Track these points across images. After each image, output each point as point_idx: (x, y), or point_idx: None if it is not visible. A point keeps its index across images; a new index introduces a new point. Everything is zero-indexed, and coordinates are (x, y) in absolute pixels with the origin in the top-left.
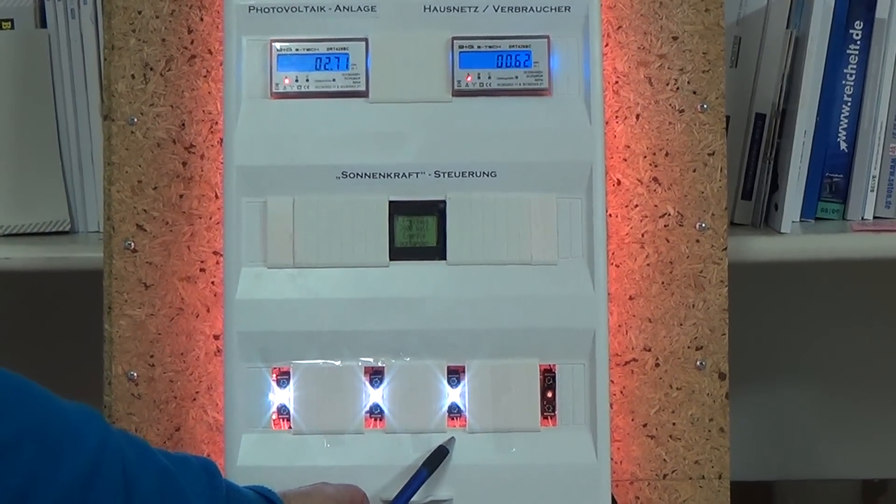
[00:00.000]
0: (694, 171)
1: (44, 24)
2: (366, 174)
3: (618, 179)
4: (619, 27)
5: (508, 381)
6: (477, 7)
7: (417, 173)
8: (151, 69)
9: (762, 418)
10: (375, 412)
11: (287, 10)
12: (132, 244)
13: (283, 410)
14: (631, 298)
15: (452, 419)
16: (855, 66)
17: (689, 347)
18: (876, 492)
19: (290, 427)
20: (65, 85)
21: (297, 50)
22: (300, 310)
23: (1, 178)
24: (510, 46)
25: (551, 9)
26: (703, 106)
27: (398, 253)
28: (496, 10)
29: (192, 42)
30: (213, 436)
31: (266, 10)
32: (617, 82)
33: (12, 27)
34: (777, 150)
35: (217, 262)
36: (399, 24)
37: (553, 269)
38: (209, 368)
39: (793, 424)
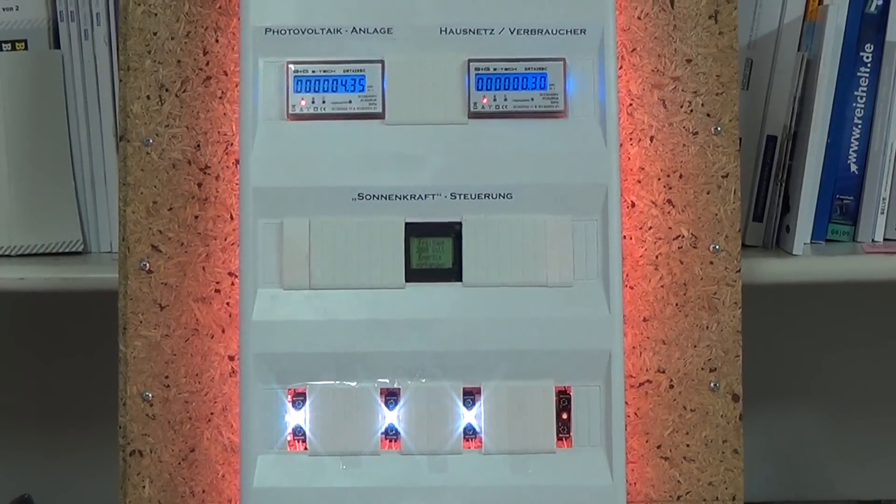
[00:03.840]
0: (708, 193)
1: (57, 45)
2: (382, 196)
3: (632, 201)
4: (634, 50)
5: (524, 402)
6: (493, 29)
7: (433, 195)
8: (167, 90)
9: (773, 439)
10: (391, 433)
11: (303, 32)
12: (147, 265)
13: (298, 432)
14: (645, 320)
15: (468, 441)
16: (865, 89)
17: (702, 369)
18: None
19: (305, 448)
20: (78, 105)
21: (313, 71)
22: (316, 331)
23: (14, 198)
24: (526, 69)
25: (567, 31)
26: (716, 128)
27: (414, 274)
28: (512, 33)
29: (207, 63)
30: (228, 457)
31: (282, 31)
32: (631, 104)
33: (26, 48)
34: (788, 172)
35: (232, 283)
36: (415, 46)
37: (568, 290)
38: (224, 389)
39: (803, 445)
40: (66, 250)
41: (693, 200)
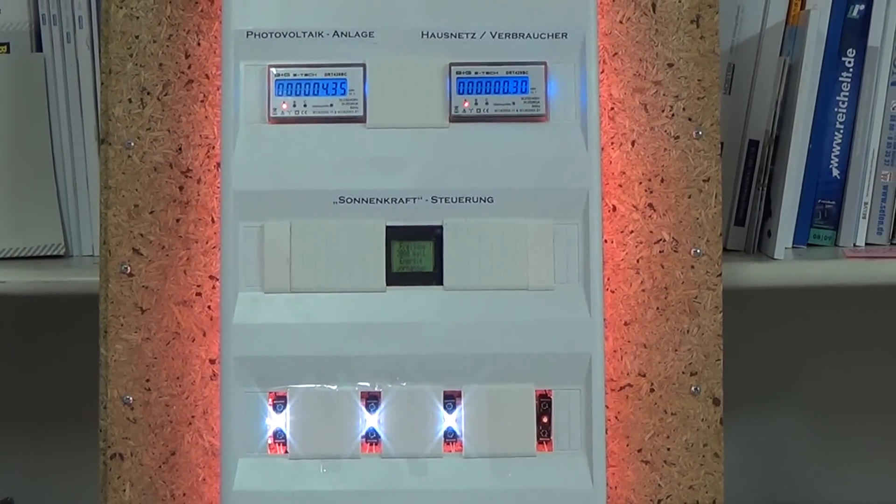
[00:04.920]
0: (689, 197)
1: (39, 48)
2: (363, 199)
3: (613, 205)
4: (615, 54)
5: (504, 406)
6: (474, 33)
7: (414, 198)
8: (148, 93)
9: (754, 443)
10: (372, 437)
11: (285, 36)
12: (128, 268)
13: (279, 435)
14: (626, 324)
15: (448, 444)
16: (847, 94)
17: (683, 373)
18: None
19: (286, 452)
20: (60, 108)
21: (294, 75)
22: (297, 334)
23: None
24: (507, 73)
25: (548, 35)
26: (698, 132)
27: (395, 278)
28: (493, 37)
29: (189, 67)
30: (208, 460)
31: (264, 35)
32: (613, 108)
33: (8, 51)
34: (770, 177)
35: (213, 287)
36: (397, 49)
37: (549, 294)
38: (205, 392)
39: (785, 449)
40: (48, 254)
41: (674, 204)
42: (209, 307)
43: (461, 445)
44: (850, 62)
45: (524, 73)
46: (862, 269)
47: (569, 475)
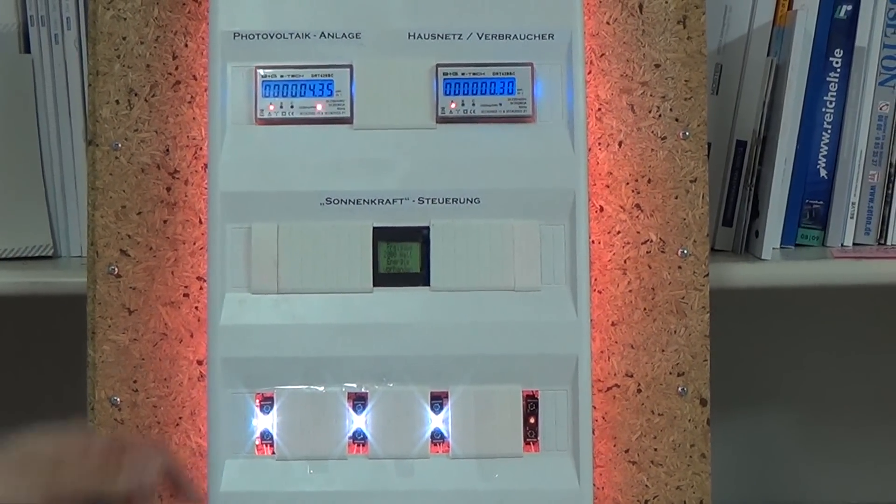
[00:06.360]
0: (676, 197)
1: (27, 49)
2: (350, 200)
3: (600, 206)
4: (602, 55)
5: (491, 406)
6: (461, 35)
7: (401, 200)
8: (136, 95)
9: (742, 444)
10: (359, 438)
11: (272, 37)
12: (116, 269)
13: (266, 436)
14: (613, 324)
15: (435, 445)
16: (835, 94)
17: (670, 373)
18: None
19: (273, 453)
20: (48, 110)
21: (281, 76)
22: (284, 335)
23: None
24: (494, 74)
25: (535, 36)
26: (685, 133)
27: (382, 279)
28: (480, 38)
29: (176, 68)
30: (196, 461)
31: (251, 36)
32: (600, 109)
33: None
34: (758, 177)
35: (201, 288)
36: (383, 51)
37: (536, 295)
38: (192, 394)
39: (773, 450)
40: (36, 254)
41: (661, 205)
42: (196, 308)
43: (448, 446)
44: (837, 62)
45: (511, 74)
46: (850, 269)
47: (556, 476)
